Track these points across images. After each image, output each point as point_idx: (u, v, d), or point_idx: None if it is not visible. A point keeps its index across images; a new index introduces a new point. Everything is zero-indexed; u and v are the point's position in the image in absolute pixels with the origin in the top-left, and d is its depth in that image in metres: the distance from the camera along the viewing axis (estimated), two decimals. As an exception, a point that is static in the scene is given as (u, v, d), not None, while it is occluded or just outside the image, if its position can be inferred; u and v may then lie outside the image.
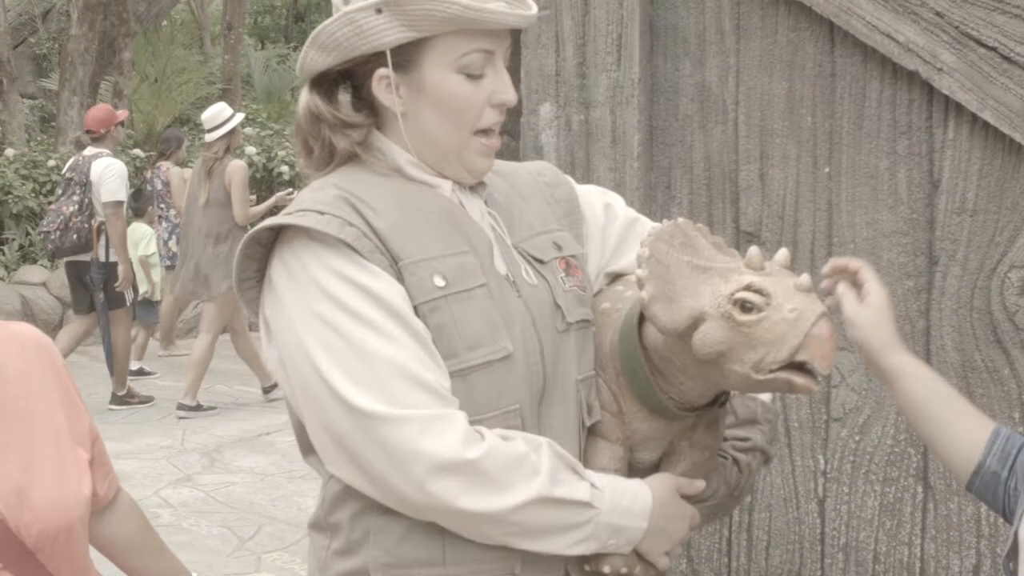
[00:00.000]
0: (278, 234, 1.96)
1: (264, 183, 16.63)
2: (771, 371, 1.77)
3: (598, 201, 2.28)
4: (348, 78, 2.03)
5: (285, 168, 16.18)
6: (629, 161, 3.03)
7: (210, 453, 8.47)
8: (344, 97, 2.03)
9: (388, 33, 1.94)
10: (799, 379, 1.76)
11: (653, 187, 3.10)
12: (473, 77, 1.97)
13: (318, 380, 1.86)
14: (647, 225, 2.27)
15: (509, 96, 2.00)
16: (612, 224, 2.26)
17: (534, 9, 1.99)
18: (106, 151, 9.74)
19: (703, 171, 3.05)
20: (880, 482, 2.84)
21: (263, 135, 17.44)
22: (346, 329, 1.86)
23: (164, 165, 12.26)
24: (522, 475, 1.86)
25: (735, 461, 2.23)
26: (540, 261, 2.07)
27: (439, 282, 1.91)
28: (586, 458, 2.03)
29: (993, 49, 2.53)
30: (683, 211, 3.06)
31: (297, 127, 2.09)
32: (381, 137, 2.04)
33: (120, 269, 9.62)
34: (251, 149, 16.34)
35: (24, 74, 19.85)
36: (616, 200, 2.32)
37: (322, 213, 1.92)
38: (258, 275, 2.01)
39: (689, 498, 2.07)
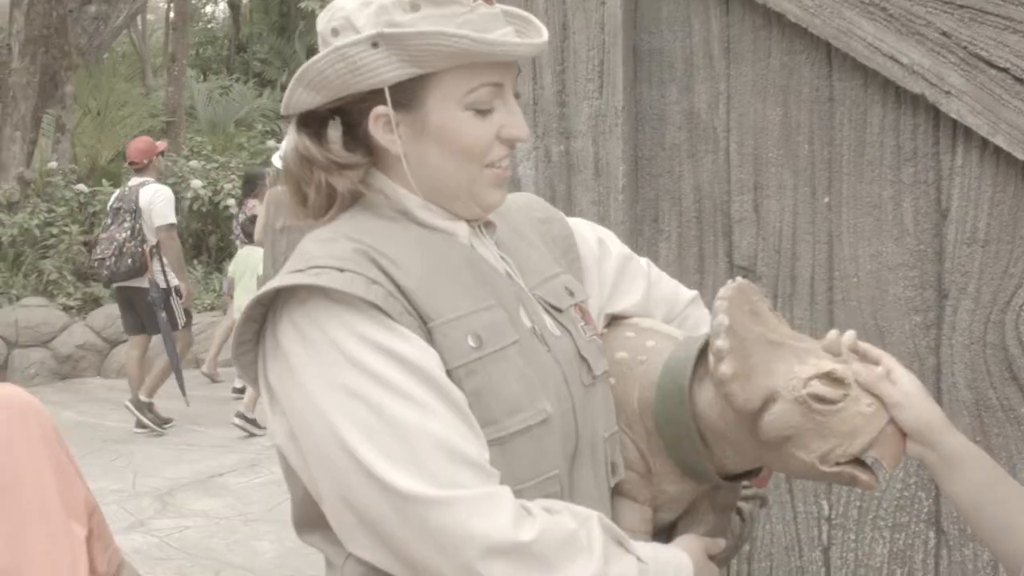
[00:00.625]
0: (278, 292, 1.77)
1: (210, 216, 16.43)
2: (838, 463, 1.68)
3: (591, 236, 2.14)
4: (338, 114, 1.85)
5: (231, 201, 15.97)
6: (613, 193, 2.89)
7: (162, 496, 8.24)
8: (335, 134, 1.85)
9: (386, 70, 1.76)
10: (864, 475, 1.69)
11: (639, 220, 2.96)
12: (482, 113, 1.80)
13: (347, 459, 1.67)
14: (639, 263, 2.15)
15: (520, 132, 1.83)
16: (607, 261, 2.12)
17: (545, 35, 1.84)
18: (151, 179, 10.24)
19: (693, 203, 2.90)
20: (889, 528, 2.69)
21: (208, 168, 17.25)
22: (378, 401, 1.67)
23: (251, 203, 12.33)
24: (574, 555, 1.69)
25: (738, 511, 2.12)
26: (558, 309, 1.92)
27: (472, 343, 1.75)
28: (613, 519, 1.87)
29: (1005, 70, 2.40)
30: (672, 246, 2.91)
31: (286, 173, 1.89)
32: (381, 176, 1.87)
33: (183, 287, 10.22)
34: (196, 183, 16.14)
35: (-37, 109, 19.56)
36: (607, 235, 2.18)
37: (342, 271, 1.73)
38: (256, 337, 1.82)
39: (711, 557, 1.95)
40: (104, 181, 16.33)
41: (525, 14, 1.87)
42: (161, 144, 10.82)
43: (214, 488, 8.44)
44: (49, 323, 14.11)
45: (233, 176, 17.08)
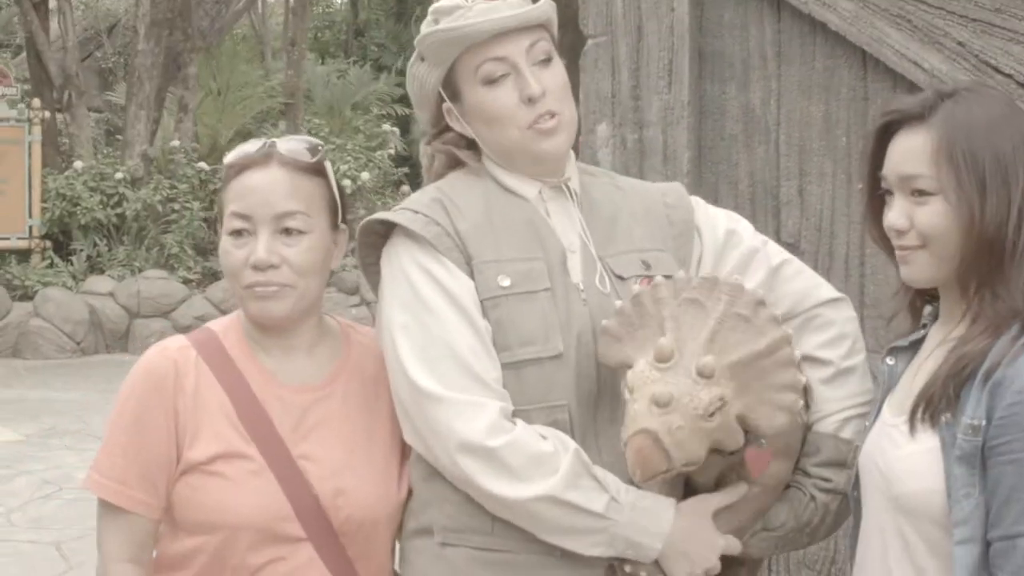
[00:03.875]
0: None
1: (327, 197, 16.59)
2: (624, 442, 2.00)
3: (722, 226, 2.43)
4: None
5: (347, 182, 16.05)
6: (679, 177, 3.19)
7: None
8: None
9: (429, 76, 2.26)
10: (629, 459, 1.98)
11: (701, 201, 3.31)
12: (495, 83, 2.20)
13: (394, 356, 2.15)
14: (767, 257, 2.41)
15: (530, 89, 2.19)
16: (732, 250, 2.40)
17: (520, 8, 2.20)
18: None
19: (747, 187, 3.25)
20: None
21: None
22: (418, 313, 2.13)
23: None
24: (541, 472, 2.06)
25: (812, 498, 2.26)
26: (619, 277, 2.26)
27: (504, 282, 2.16)
28: None
29: (1009, 76, 2.74)
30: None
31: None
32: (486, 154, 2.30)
33: None
34: (314, 164, 16.30)
35: (90, 88, 20.00)
36: (744, 228, 2.46)
37: (416, 212, 2.20)
38: (378, 260, 2.29)
39: (748, 525, 2.20)
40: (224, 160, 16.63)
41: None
42: None
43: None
44: (169, 295, 14.59)
45: (349, 158, 17.26)
